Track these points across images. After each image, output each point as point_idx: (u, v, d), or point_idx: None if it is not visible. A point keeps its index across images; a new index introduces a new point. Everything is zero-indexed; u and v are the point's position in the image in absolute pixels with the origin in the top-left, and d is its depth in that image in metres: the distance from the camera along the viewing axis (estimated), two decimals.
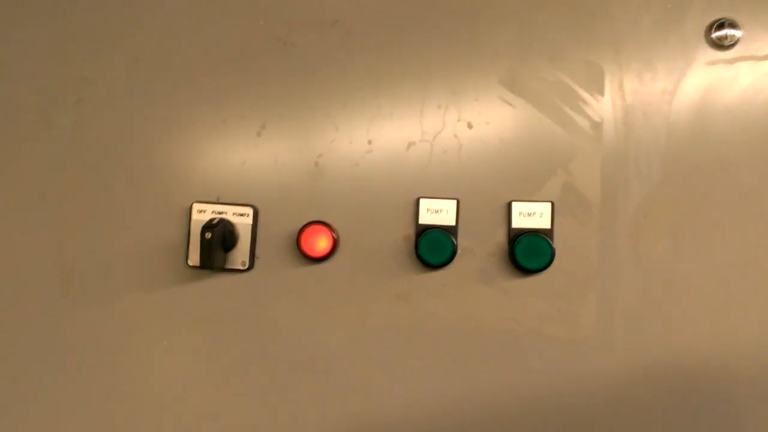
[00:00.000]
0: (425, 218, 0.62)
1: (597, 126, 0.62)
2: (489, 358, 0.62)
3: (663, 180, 0.62)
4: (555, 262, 0.61)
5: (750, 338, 0.60)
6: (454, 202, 0.62)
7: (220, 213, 0.64)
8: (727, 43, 0.62)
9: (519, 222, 0.61)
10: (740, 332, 0.60)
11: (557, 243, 0.61)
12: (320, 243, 0.62)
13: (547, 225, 0.61)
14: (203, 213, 0.64)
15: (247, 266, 0.64)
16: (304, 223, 0.63)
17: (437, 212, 0.62)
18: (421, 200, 0.62)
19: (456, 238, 0.62)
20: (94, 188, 0.66)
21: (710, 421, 0.61)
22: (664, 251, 0.61)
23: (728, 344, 0.60)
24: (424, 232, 0.61)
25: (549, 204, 0.61)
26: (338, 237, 0.63)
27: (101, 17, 0.66)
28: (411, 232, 0.62)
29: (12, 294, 0.65)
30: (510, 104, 0.63)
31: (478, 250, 0.62)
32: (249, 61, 0.65)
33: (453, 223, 0.62)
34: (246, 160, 0.65)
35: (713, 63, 0.62)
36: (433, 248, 0.61)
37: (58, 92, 0.66)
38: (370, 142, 0.64)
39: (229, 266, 0.64)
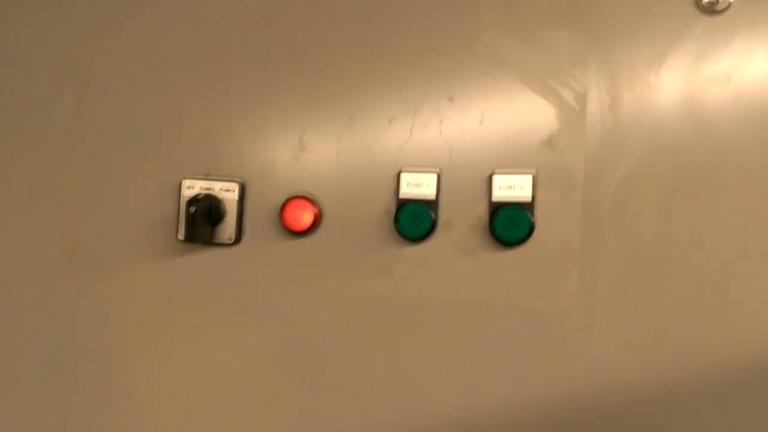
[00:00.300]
0: (406, 192, 0.62)
1: (581, 97, 0.61)
2: (468, 332, 0.61)
3: (649, 152, 0.60)
4: (536, 235, 0.60)
5: (739, 311, 0.58)
6: (434, 175, 0.62)
7: (207, 189, 0.66)
8: (718, 8, 0.60)
9: (500, 195, 0.61)
10: (729, 305, 0.58)
11: (540, 216, 0.61)
12: (303, 217, 0.63)
13: (527, 198, 0.60)
14: (192, 189, 0.66)
15: (233, 240, 0.65)
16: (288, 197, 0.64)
17: (418, 186, 0.62)
18: (402, 174, 0.62)
19: (436, 211, 0.62)
20: (94, 167, 0.68)
21: (700, 397, 0.59)
22: (649, 224, 0.60)
23: (716, 317, 0.58)
24: (404, 205, 0.61)
25: (530, 176, 0.60)
26: (321, 211, 0.64)
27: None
28: (392, 205, 0.63)
29: (21, 266, 0.69)
30: (491, 77, 0.62)
31: (459, 223, 0.62)
32: (235, 39, 0.66)
33: (433, 197, 0.62)
34: (234, 137, 0.66)
35: (703, 30, 0.60)
36: (412, 222, 0.61)
37: (60, 75, 0.69)
38: (351, 117, 0.64)
39: (216, 241, 0.65)
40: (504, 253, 0.61)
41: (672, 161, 0.60)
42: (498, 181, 0.61)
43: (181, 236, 0.65)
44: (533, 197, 0.60)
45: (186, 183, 0.66)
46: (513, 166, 0.61)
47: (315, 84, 0.65)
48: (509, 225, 0.60)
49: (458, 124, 0.62)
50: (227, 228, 0.65)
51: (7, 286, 0.69)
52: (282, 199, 0.64)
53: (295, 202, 0.63)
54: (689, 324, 0.58)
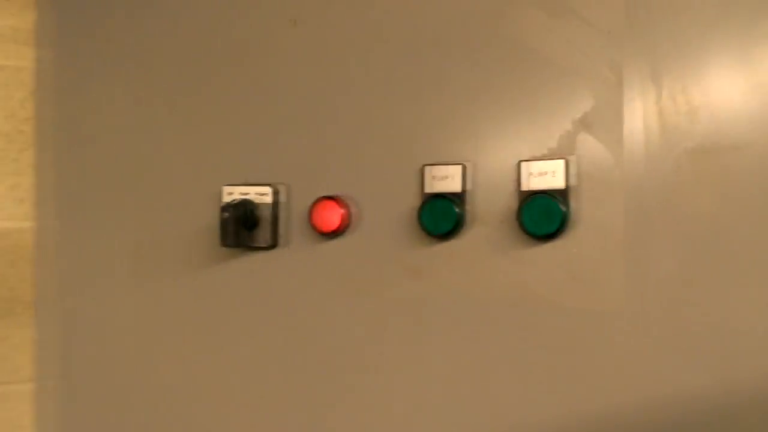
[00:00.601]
0: (431, 186, 0.59)
1: (617, 69, 0.54)
2: (503, 332, 0.57)
3: (705, 129, 0.52)
4: (575, 226, 0.54)
5: None
6: (460, 167, 0.58)
7: (245, 194, 0.67)
8: None
9: (530, 183, 0.56)
10: None
11: (578, 205, 0.55)
12: (332, 219, 0.62)
13: (560, 185, 0.55)
14: (231, 195, 0.67)
15: (269, 244, 0.66)
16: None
17: (444, 179, 0.59)
18: (426, 167, 0.59)
19: (464, 205, 0.58)
20: (152, 178, 0.72)
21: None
22: (708, 211, 0.52)
23: None
24: (428, 201, 0.58)
25: (562, 161, 0.55)
26: (351, 211, 0.63)
27: None
28: (417, 201, 0.60)
29: (96, 267, 0.74)
30: (519, 54, 0.57)
31: (489, 217, 0.58)
32: (260, 40, 0.67)
33: (459, 189, 0.58)
34: (269, 142, 0.67)
35: None
36: (437, 218, 0.58)
37: (129, 91, 0.74)
38: (375, 110, 0.62)
39: (254, 244, 0.66)
40: (539, 247, 0.56)
41: (733, 137, 0.51)
42: (526, 168, 0.56)
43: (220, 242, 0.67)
44: (567, 185, 0.55)
45: (226, 190, 0.67)
46: (544, 150, 0.56)
47: (342, 80, 0.64)
48: (539, 216, 0.54)
49: (484, 110, 0.58)
50: (263, 232, 0.66)
51: (85, 285, 0.74)
52: (314, 199, 0.64)
53: (323, 204, 0.63)
54: (756, 324, 0.50)
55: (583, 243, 0.55)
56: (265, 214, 0.66)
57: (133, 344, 0.70)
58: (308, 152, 0.65)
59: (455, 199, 0.58)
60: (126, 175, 0.72)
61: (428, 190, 0.59)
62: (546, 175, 0.55)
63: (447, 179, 0.59)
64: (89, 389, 0.72)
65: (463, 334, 0.58)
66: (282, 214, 0.66)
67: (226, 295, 0.67)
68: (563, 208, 0.54)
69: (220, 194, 0.67)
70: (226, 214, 0.63)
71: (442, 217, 0.58)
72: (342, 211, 0.62)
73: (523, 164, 0.56)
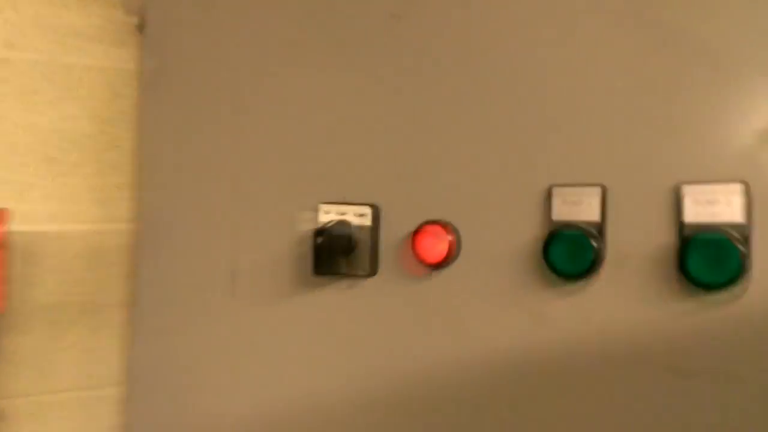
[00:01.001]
0: (560, 213, 0.47)
1: None
2: (645, 403, 0.44)
3: None
4: (753, 274, 0.41)
5: None
6: (598, 189, 0.46)
7: (342, 213, 0.59)
8: None
9: (693, 214, 0.43)
10: None
11: (757, 245, 0.41)
12: (436, 247, 0.53)
13: (737, 218, 0.41)
14: (328, 214, 0.60)
15: (367, 272, 0.57)
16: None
17: (576, 204, 0.47)
18: (554, 189, 0.48)
19: (602, 239, 0.46)
20: (249, 200, 0.66)
21: None
22: None
23: None
24: (557, 232, 0.47)
25: (739, 185, 0.41)
26: (459, 238, 0.53)
27: None
28: (543, 231, 0.48)
29: (194, 291, 0.70)
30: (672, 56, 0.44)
31: (635, 254, 0.45)
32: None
33: (598, 218, 0.46)
34: (369, 159, 0.58)
35: None
36: (568, 253, 0.46)
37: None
38: (492, 118, 0.51)
39: (350, 272, 0.58)
40: (702, 297, 0.43)
41: None
42: (689, 194, 0.43)
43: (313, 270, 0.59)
44: (749, 217, 0.41)
45: (323, 208, 0.60)
46: (709, 171, 0.42)
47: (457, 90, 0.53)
48: (709, 259, 0.41)
49: (630, 124, 0.46)
50: (361, 258, 0.58)
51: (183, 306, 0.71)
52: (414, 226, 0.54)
53: (428, 229, 0.53)
54: None
55: (762, 296, 0.41)
56: (364, 238, 0.57)
57: (220, 365, 0.65)
58: (408, 170, 0.55)
59: (591, 230, 0.46)
60: (219, 184, 0.67)
61: (556, 217, 0.47)
62: (717, 205, 0.42)
63: (581, 205, 0.47)
64: (170, 402, 0.68)
65: (593, 399, 0.46)
66: (381, 238, 0.57)
67: (317, 324, 0.60)
68: (741, 249, 0.40)
69: (316, 214, 0.60)
70: (320, 240, 0.56)
71: (575, 253, 0.46)
72: (449, 238, 0.52)
73: (685, 187, 0.43)
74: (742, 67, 0.42)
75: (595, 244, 0.45)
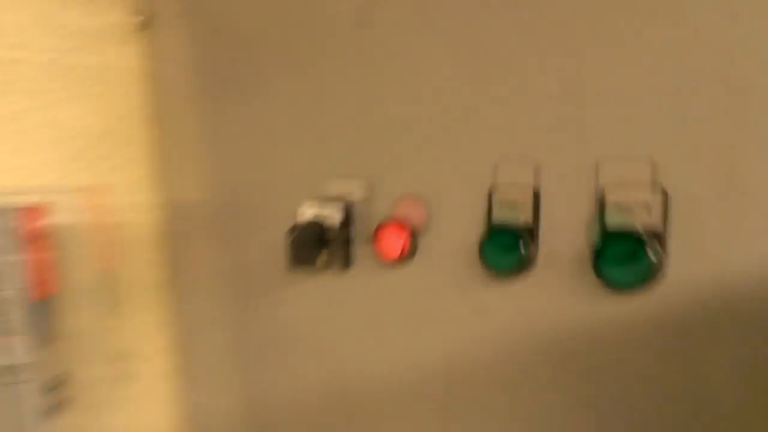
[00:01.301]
0: (498, 216, 0.51)
1: None
2: (563, 394, 0.48)
3: None
4: (666, 275, 0.44)
5: None
6: (531, 193, 0.49)
7: (321, 208, 0.63)
8: None
9: (614, 217, 0.45)
10: None
11: (672, 245, 0.43)
12: (394, 244, 0.57)
13: (654, 222, 0.44)
14: (312, 208, 0.64)
15: (336, 265, 0.62)
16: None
17: (512, 208, 0.50)
18: (494, 194, 0.51)
19: (534, 239, 0.49)
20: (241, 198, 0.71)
21: None
22: None
23: None
24: (492, 231, 0.51)
25: (659, 191, 0.44)
26: (415, 237, 0.57)
27: None
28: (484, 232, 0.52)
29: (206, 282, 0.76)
30: None
31: (564, 254, 0.48)
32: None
33: (531, 220, 0.49)
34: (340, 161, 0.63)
35: None
36: (500, 252, 0.50)
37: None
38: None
39: (324, 266, 0.63)
40: (616, 297, 0.45)
41: None
42: (611, 198, 0.45)
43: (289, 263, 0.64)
44: (664, 222, 0.43)
45: (307, 203, 0.64)
46: (630, 178, 0.45)
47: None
48: (621, 259, 0.44)
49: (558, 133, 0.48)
50: (332, 252, 0.62)
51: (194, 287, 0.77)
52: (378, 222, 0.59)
53: (389, 229, 0.57)
54: None
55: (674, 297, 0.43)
56: (335, 235, 0.62)
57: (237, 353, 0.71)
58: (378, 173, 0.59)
59: (523, 231, 0.49)
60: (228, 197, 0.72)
61: (495, 219, 0.51)
62: (635, 208, 0.44)
63: (515, 209, 0.50)
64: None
65: (530, 389, 0.50)
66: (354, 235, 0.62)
67: (297, 315, 0.65)
68: (651, 251, 0.43)
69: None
70: (292, 236, 0.61)
71: (504, 250, 0.50)
72: (405, 237, 0.56)
73: (609, 193, 0.46)
74: None
75: (523, 244, 0.49)
